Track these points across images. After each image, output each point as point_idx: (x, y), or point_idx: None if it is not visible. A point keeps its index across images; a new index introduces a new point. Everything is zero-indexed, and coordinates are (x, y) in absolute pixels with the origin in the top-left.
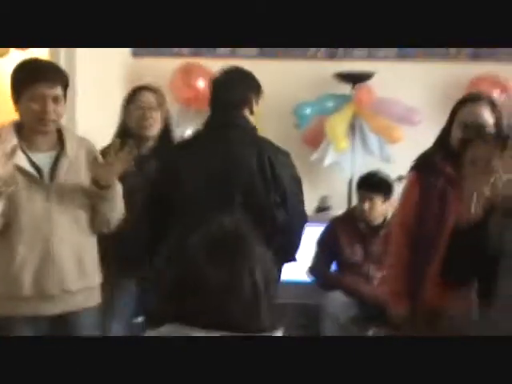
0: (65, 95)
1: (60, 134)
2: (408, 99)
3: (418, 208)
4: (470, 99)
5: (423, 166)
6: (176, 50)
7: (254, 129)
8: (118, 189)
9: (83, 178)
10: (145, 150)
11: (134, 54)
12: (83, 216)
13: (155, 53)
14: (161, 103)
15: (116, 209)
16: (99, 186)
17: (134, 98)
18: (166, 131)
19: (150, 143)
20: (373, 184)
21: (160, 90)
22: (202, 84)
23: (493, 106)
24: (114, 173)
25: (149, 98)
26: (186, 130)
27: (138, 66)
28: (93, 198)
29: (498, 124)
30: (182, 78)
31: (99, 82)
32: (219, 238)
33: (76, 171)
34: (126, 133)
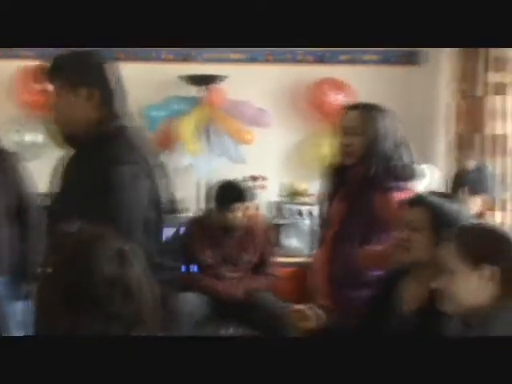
0: None
1: None
2: (258, 101)
3: None
4: (347, 108)
5: None
6: (20, 52)
7: None
8: None
9: None
10: None
11: None
12: None
13: None
14: None
15: None
16: None
17: None
18: None
19: None
20: (237, 194)
21: None
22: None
23: (366, 111)
24: None
25: None
26: (26, 135)
27: None
28: None
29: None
30: (23, 81)
31: None
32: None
33: None
34: None
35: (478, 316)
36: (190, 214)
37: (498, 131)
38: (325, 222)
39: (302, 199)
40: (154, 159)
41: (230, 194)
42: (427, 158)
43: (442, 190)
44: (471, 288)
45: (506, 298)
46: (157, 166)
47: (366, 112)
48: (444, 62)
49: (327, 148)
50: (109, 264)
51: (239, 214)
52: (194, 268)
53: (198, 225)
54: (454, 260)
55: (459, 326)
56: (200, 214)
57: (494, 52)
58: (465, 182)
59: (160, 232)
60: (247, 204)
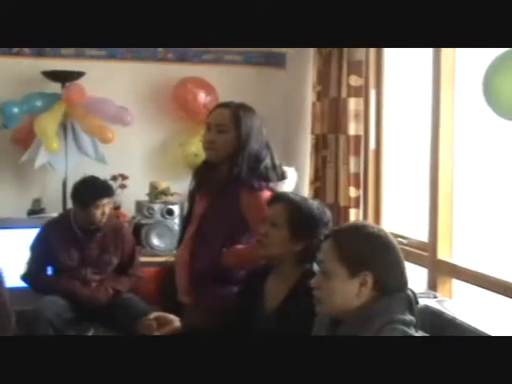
0: None
1: None
2: (119, 99)
3: None
4: (217, 106)
5: None
6: None
7: None
8: None
9: None
10: None
11: None
12: None
13: None
14: None
15: None
16: None
17: None
18: None
19: None
20: (100, 190)
21: None
22: None
23: (236, 110)
24: None
25: None
26: None
27: None
28: None
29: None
30: None
31: None
32: None
33: None
34: None
35: (350, 318)
36: (54, 214)
37: (357, 132)
38: (187, 219)
39: (169, 198)
40: None
41: (92, 190)
42: (290, 160)
43: (301, 191)
44: (347, 293)
45: (380, 301)
46: None
47: (236, 111)
48: (307, 63)
49: (192, 146)
50: None
51: (103, 211)
52: (49, 271)
53: (59, 225)
54: (333, 264)
55: (326, 326)
56: (61, 213)
57: (351, 55)
58: None
59: None
60: (110, 199)
